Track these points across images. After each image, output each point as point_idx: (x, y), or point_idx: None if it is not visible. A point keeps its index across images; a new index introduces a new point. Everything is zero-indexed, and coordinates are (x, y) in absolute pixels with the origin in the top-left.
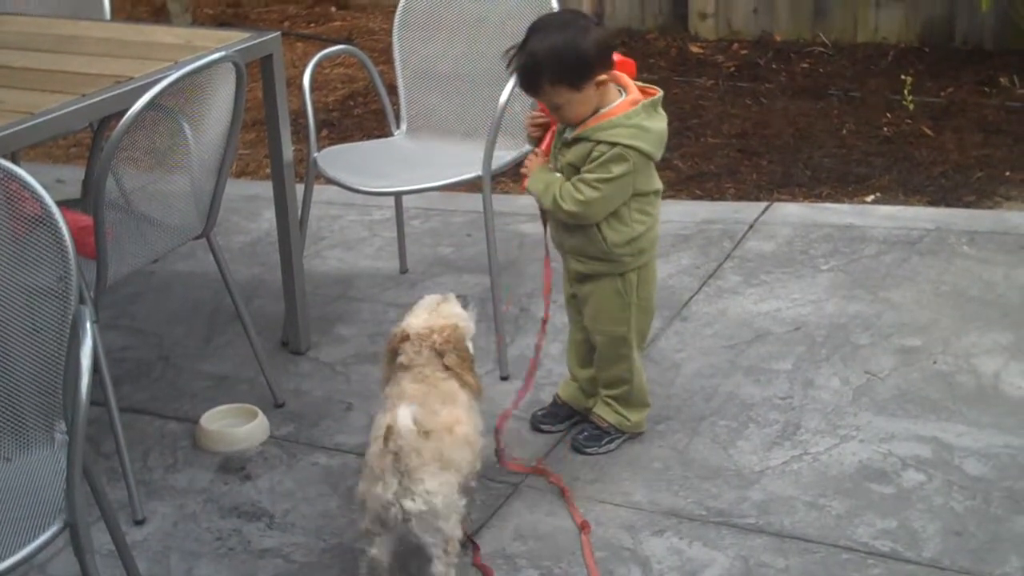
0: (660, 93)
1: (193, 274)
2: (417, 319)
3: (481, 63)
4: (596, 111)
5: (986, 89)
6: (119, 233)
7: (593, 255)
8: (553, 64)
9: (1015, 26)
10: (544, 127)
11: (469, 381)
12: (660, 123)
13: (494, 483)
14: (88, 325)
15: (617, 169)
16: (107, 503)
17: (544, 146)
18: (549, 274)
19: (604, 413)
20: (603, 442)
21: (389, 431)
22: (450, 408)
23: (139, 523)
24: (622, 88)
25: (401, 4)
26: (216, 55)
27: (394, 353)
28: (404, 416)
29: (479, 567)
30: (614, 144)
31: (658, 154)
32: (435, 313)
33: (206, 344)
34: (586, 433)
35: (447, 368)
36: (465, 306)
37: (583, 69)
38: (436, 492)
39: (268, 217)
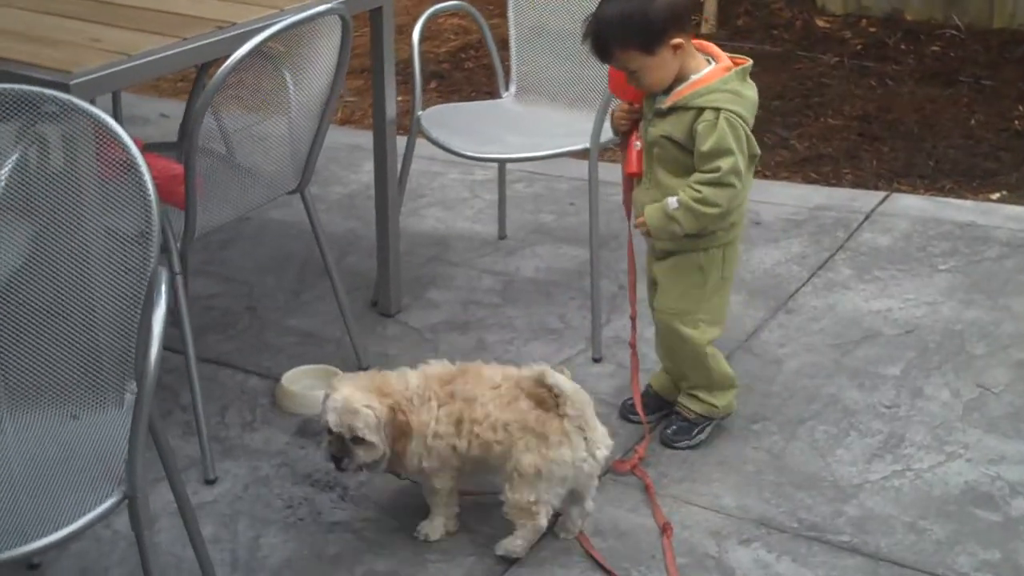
0: (750, 62)
1: (287, 223)
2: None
3: None
4: (686, 78)
5: None
6: (211, 184)
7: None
8: (621, 29)
9: None
10: (635, 120)
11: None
12: (752, 91)
13: None
14: (163, 289)
15: (734, 135)
16: (173, 464)
17: (635, 152)
18: (633, 268)
19: (690, 403)
20: (693, 433)
21: (559, 400)
22: None
23: (210, 482)
24: (711, 57)
25: None
26: (323, 7)
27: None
28: (564, 379)
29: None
30: (717, 109)
31: (752, 121)
32: None
33: (295, 298)
34: (675, 427)
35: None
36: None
37: (653, 32)
38: (606, 435)
39: (368, 169)
